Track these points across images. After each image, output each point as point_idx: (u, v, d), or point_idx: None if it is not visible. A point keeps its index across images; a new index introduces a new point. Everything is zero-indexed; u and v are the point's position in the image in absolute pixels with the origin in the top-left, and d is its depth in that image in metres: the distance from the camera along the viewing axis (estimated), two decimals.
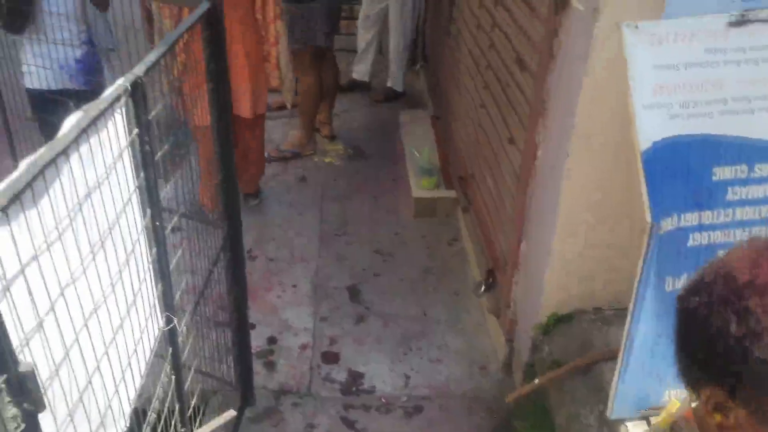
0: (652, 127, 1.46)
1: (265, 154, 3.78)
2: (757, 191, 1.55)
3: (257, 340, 2.64)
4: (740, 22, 1.47)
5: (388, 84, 4.85)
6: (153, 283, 1.40)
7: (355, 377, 2.55)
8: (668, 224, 1.51)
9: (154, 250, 1.38)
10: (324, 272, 3.10)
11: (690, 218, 1.54)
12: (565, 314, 2.16)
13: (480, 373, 2.59)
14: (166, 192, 2.13)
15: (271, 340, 2.69)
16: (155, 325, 1.44)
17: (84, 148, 1.07)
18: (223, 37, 1.76)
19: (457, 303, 2.95)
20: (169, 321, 1.47)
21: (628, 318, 1.57)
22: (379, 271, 3.13)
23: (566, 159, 1.89)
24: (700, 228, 1.55)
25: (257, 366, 2.50)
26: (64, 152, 1.00)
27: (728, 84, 1.49)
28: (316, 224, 3.43)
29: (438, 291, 3.02)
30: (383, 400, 2.46)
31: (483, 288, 2.81)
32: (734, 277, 0.68)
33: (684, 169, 1.51)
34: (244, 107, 3.12)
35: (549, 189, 2.06)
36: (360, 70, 4.89)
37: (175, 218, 1.68)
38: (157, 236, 1.40)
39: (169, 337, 1.49)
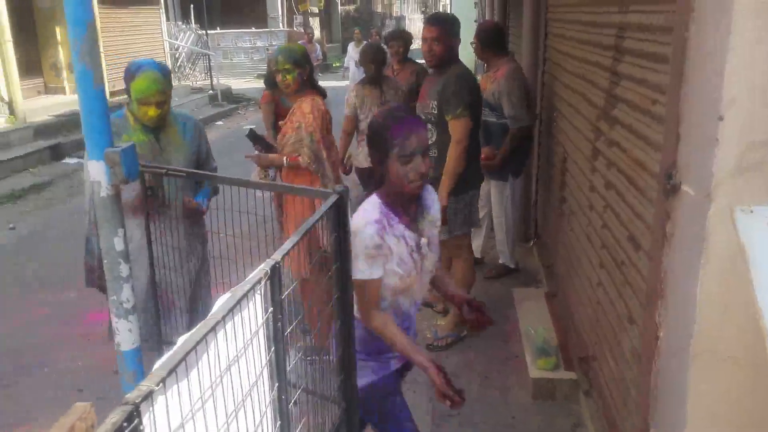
0: None
1: None
2: None
3: None
4: None
5: (501, 261, 4.94)
6: None
7: None
8: None
9: (279, 423, 1.45)
10: None
11: None
12: None
13: None
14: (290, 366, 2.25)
15: None
16: None
17: (229, 326, 1.21)
18: (347, 222, 1.96)
19: None
20: None
21: None
22: None
23: (690, 340, 1.81)
24: None
25: None
26: (213, 329, 1.14)
27: None
28: (426, 403, 3.37)
29: None
30: None
31: None
32: None
33: None
34: None
35: (674, 373, 1.95)
36: (473, 247, 5.05)
37: (297, 392, 1.76)
38: (281, 409, 1.48)
39: None
